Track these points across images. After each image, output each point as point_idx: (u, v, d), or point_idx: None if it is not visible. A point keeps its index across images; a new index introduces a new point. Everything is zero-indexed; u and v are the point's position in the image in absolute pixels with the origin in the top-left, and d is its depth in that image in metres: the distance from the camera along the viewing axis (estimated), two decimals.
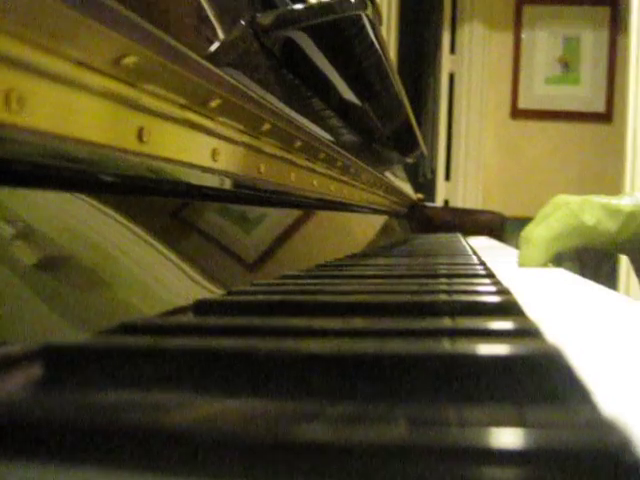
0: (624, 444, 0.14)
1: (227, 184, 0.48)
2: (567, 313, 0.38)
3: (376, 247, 0.99)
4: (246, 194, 0.52)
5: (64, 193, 0.30)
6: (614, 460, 0.13)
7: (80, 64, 0.28)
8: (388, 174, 1.32)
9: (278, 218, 0.59)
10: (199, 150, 0.42)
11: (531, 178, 3.38)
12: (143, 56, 0.31)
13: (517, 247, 0.75)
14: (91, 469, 0.15)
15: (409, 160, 1.50)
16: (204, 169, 0.43)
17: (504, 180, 3.41)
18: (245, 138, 0.48)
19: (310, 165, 0.64)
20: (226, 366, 0.22)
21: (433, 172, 3.19)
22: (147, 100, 0.35)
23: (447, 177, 3.37)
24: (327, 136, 0.73)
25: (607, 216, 0.70)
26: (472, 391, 0.20)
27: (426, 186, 2.91)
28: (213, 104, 0.41)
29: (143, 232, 0.36)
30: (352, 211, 0.94)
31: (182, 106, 0.38)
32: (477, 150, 3.36)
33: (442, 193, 3.33)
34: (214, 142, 0.44)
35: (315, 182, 0.67)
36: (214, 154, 0.44)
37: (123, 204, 0.35)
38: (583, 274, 0.69)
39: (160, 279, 0.35)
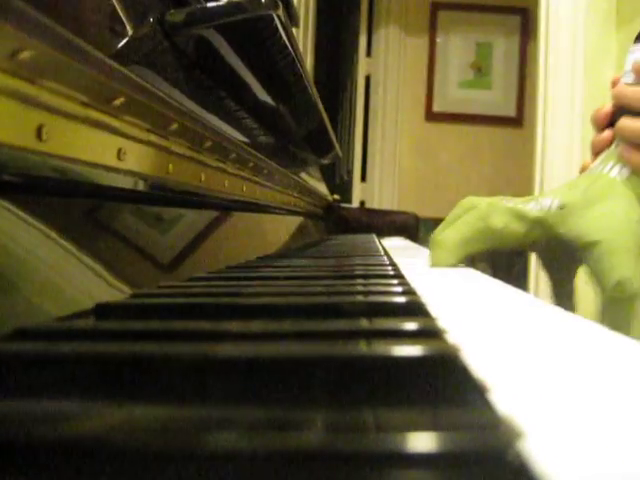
0: (509, 443, 0.14)
1: (134, 184, 0.47)
2: (473, 313, 0.39)
3: (290, 248, 0.99)
4: (155, 194, 0.51)
5: None
6: (498, 460, 0.13)
7: None
8: (303, 175, 1.33)
9: (189, 220, 0.58)
10: (104, 149, 0.41)
11: (445, 180, 3.44)
12: (40, 51, 0.30)
13: (429, 248, 0.76)
14: None
15: (324, 161, 1.50)
16: (109, 169, 0.42)
17: (419, 182, 3.46)
18: (152, 137, 0.47)
19: (221, 166, 0.64)
20: (126, 372, 0.21)
21: (349, 173, 3.22)
22: (46, 97, 0.34)
23: (363, 178, 3.41)
24: (240, 137, 0.73)
25: (514, 220, 0.71)
26: (368, 393, 0.19)
27: (342, 187, 2.93)
28: (117, 102, 0.40)
29: (51, 234, 0.34)
30: (266, 212, 0.94)
31: (84, 104, 0.37)
32: (392, 152, 3.40)
33: (358, 194, 3.36)
34: (119, 141, 0.43)
35: (226, 183, 0.66)
36: (119, 153, 0.43)
37: (27, 205, 0.34)
38: (495, 274, 0.71)
39: (66, 282, 0.34)
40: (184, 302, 0.33)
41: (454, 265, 0.72)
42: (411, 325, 0.26)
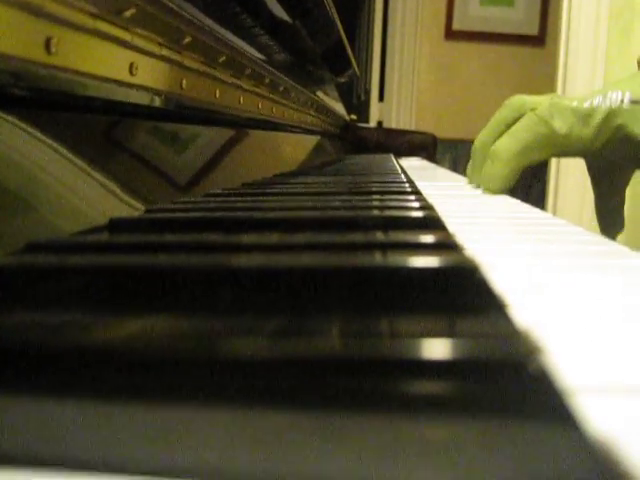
0: (529, 354, 0.14)
1: (147, 100, 0.46)
2: (492, 228, 0.38)
3: (306, 167, 0.98)
4: (168, 111, 0.50)
5: None
6: (518, 369, 0.13)
7: None
8: (320, 94, 1.30)
9: (204, 137, 0.57)
10: (115, 63, 0.40)
11: (464, 100, 3.39)
12: None
13: (453, 166, 0.70)
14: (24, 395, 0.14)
15: (341, 80, 1.48)
16: (121, 84, 0.41)
17: (437, 102, 3.41)
18: (165, 52, 0.46)
19: (236, 82, 0.63)
20: (140, 283, 0.21)
21: (367, 93, 3.17)
22: (54, 8, 0.33)
23: (381, 98, 3.36)
24: (256, 54, 0.71)
25: (580, 122, 0.61)
26: (384, 304, 0.19)
27: (360, 107, 2.89)
28: (128, 14, 0.39)
29: (62, 150, 0.34)
30: (283, 131, 0.93)
31: (94, 15, 0.36)
32: (411, 71, 3.34)
33: (376, 114, 3.31)
34: (131, 55, 0.42)
35: (242, 99, 0.65)
36: (131, 68, 0.42)
37: (37, 120, 0.33)
38: (513, 195, 0.65)
39: (79, 200, 0.34)
40: (199, 216, 0.32)
41: (510, 180, 0.62)
42: (429, 238, 0.26)
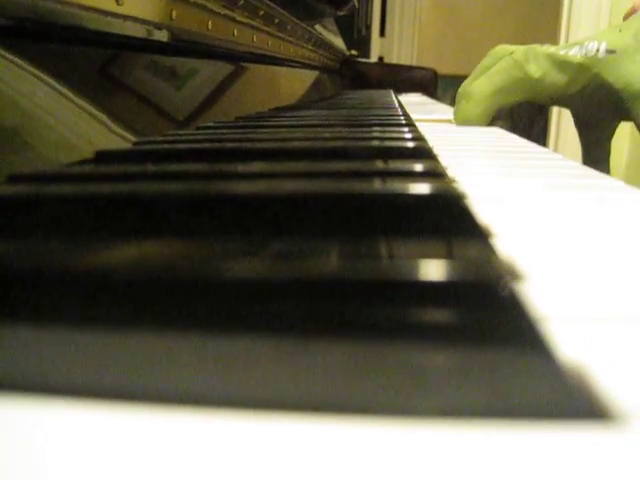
0: (506, 280, 0.13)
1: (135, 31, 0.45)
2: (487, 161, 0.38)
3: (303, 102, 0.97)
4: (158, 43, 0.49)
5: None
6: (494, 294, 0.13)
7: None
8: (319, 28, 1.28)
9: (197, 71, 0.56)
10: None
11: (466, 35, 3.33)
12: None
13: (454, 104, 0.70)
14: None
15: (341, 13, 1.45)
16: (107, 13, 0.40)
17: (439, 37, 3.35)
18: None
19: (229, 13, 0.61)
20: (127, 210, 0.21)
21: (368, 28, 3.12)
22: None
23: (382, 33, 3.30)
24: None
25: (555, 68, 0.64)
26: (370, 228, 0.19)
27: (361, 42, 2.84)
28: None
29: (50, 82, 0.33)
30: (279, 65, 0.91)
31: None
32: (413, 5, 3.28)
33: (377, 50, 3.26)
34: None
35: (235, 32, 0.64)
36: None
37: (25, 51, 0.32)
38: (514, 133, 0.65)
39: (68, 132, 0.33)
40: (187, 148, 0.32)
41: (484, 120, 0.66)
42: (417, 166, 0.26)
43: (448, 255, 0.16)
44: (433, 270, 0.13)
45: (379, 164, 0.26)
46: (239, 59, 0.68)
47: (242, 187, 0.22)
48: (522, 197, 0.26)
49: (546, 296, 0.15)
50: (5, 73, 0.31)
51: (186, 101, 0.50)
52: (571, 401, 0.10)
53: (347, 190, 0.21)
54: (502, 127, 0.68)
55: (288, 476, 0.08)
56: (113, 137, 0.36)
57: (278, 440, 0.09)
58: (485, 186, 0.29)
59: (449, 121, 0.69)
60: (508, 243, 0.19)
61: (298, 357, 0.11)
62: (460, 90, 0.68)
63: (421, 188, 0.20)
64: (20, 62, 0.32)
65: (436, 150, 0.39)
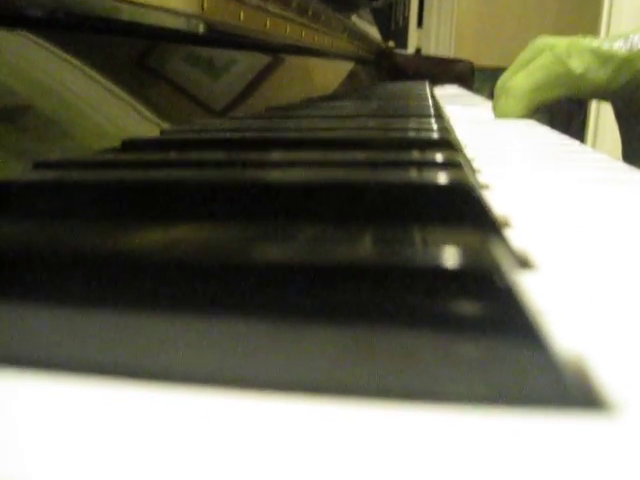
0: (505, 268, 0.13)
1: (166, 22, 0.46)
2: (519, 154, 0.38)
3: (336, 93, 0.97)
4: (189, 34, 0.50)
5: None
6: (495, 283, 0.13)
7: None
8: (354, 19, 1.28)
9: (229, 61, 0.57)
10: None
11: (505, 26, 3.29)
12: None
13: (491, 97, 0.69)
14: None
15: (377, 4, 1.45)
16: (139, 5, 0.41)
17: (477, 28, 3.32)
18: None
19: (261, 4, 0.62)
20: (154, 196, 0.21)
21: (405, 19, 3.10)
22: None
23: (419, 24, 3.28)
24: None
25: (598, 63, 0.61)
26: (379, 215, 0.19)
27: (398, 34, 2.83)
28: None
29: (82, 72, 0.34)
30: (312, 56, 0.92)
31: None
32: None
33: (414, 41, 3.24)
34: None
35: (268, 23, 0.64)
36: None
37: (54, 39, 0.33)
38: (553, 127, 0.64)
39: (96, 119, 0.34)
40: (216, 137, 0.32)
41: (524, 117, 0.64)
42: (436, 157, 0.26)
43: (448, 245, 0.16)
44: (429, 259, 0.14)
45: (397, 154, 0.26)
46: (272, 50, 0.69)
47: (252, 175, 0.22)
48: (550, 189, 0.26)
49: (553, 287, 0.15)
50: (41, 62, 0.31)
51: (217, 92, 0.51)
52: (566, 391, 0.10)
53: (357, 179, 0.21)
54: (540, 121, 0.67)
55: (293, 456, 0.09)
56: (145, 125, 0.37)
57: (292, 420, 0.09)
58: (512, 178, 0.29)
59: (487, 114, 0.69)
60: (525, 234, 0.20)
61: (304, 342, 0.12)
62: (499, 84, 0.67)
63: (435, 178, 0.21)
64: (56, 51, 0.33)
65: (466, 142, 0.39)
